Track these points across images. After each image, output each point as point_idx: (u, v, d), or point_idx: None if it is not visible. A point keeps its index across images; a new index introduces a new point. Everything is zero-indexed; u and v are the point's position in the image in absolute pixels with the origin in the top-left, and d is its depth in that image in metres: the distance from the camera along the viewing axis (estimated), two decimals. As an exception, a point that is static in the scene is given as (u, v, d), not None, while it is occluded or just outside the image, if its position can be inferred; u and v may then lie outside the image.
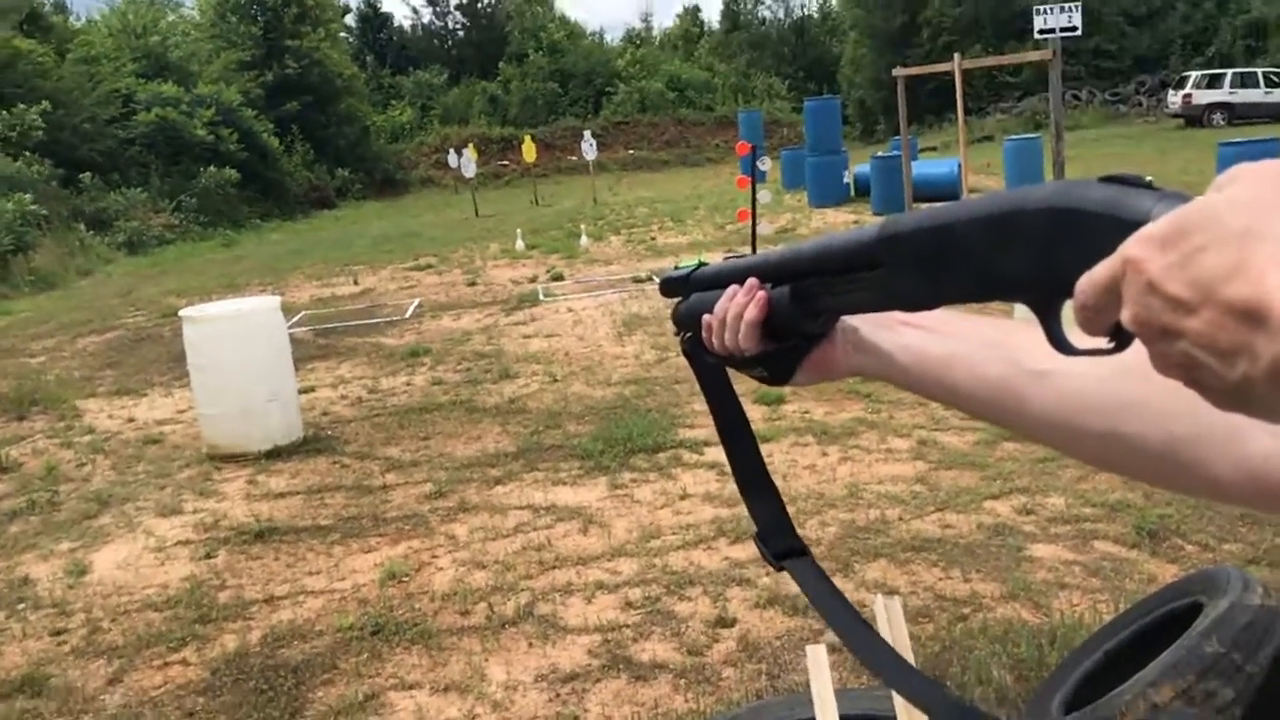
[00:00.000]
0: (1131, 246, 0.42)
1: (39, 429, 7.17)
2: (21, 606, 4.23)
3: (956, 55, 13.50)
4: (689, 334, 0.88)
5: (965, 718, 0.78)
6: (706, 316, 0.82)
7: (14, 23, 24.50)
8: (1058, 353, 0.54)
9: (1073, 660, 2.61)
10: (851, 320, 0.78)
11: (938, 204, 0.60)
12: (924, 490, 4.59)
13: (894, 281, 0.62)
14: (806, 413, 5.88)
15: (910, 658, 2.26)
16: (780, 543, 0.89)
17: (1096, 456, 0.67)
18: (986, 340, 0.73)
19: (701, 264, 0.89)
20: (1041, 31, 12.39)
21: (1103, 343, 0.49)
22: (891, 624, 2.29)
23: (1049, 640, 3.15)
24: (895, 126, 19.29)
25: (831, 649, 3.19)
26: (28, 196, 17.87)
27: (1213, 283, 0.39)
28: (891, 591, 3.53)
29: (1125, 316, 0.43)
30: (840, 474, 4.89)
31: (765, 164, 12.68)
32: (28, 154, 20.71)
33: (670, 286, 0.92)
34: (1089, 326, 0.47)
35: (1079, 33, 12.77)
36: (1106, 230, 0.46)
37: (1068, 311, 0.52)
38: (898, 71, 15.22)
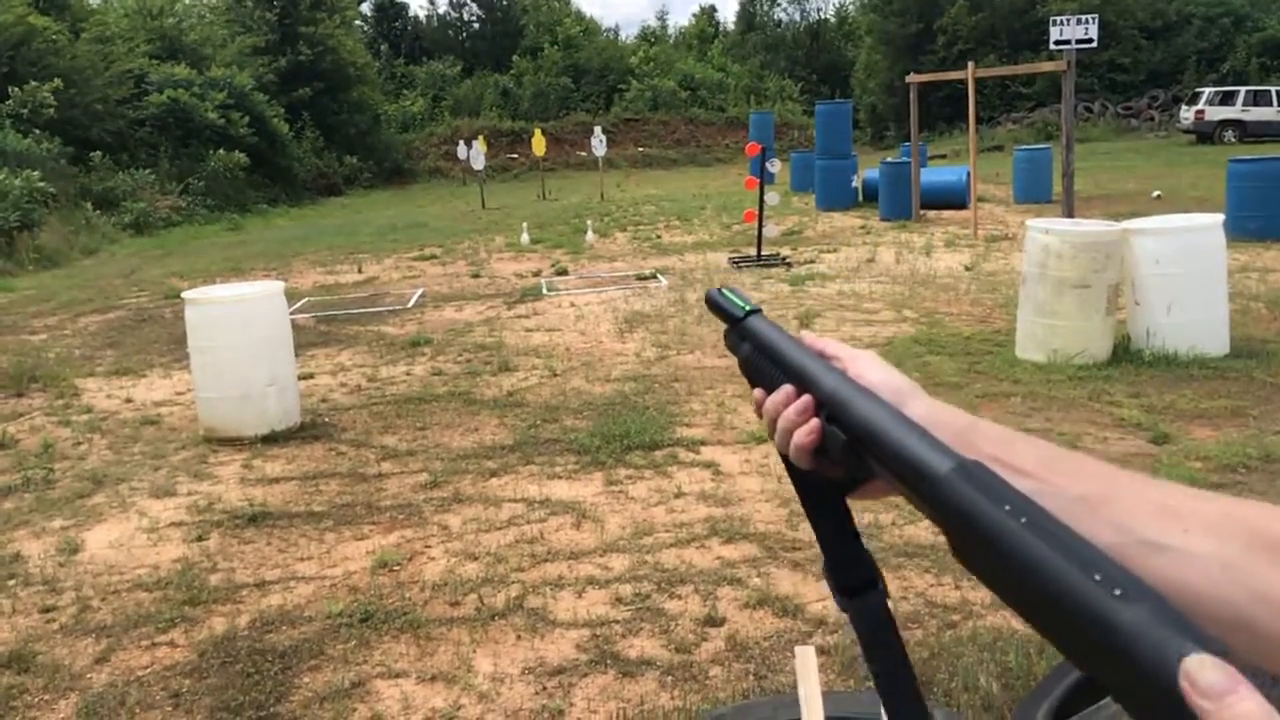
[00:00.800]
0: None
1: (37, 406, 7.18)
2: (12, 583, 4.23)
3: (970, 63, 13.48)
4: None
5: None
6: (759, 393, 0.77)
7: None
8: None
9: (1061, 670, 2.59)
10: None
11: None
12: (919, 496, 4.57)
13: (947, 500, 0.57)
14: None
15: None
16: (850, 575, 0.79)
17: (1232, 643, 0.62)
18: (1090, 496, 0.62)
19: (756, 310, 0.82)
20: (1057, 43, 12.36)
21: None
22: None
23: (1037, 650, 3.14)
24: (906, 133, 19.25)
25: (820, 651, 3.18)
26: (36, 174, 17.88)
27: None
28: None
29: None
30: (836, 477, 4.87)
31: (775, 166, 12.66)
32: (38, 131, 20.73)
33: (718, 313, 0.84)
34: None
35: (1094, 45, 12.75)
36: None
37: None
38: (911, 78, 15.20)
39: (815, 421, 0.70)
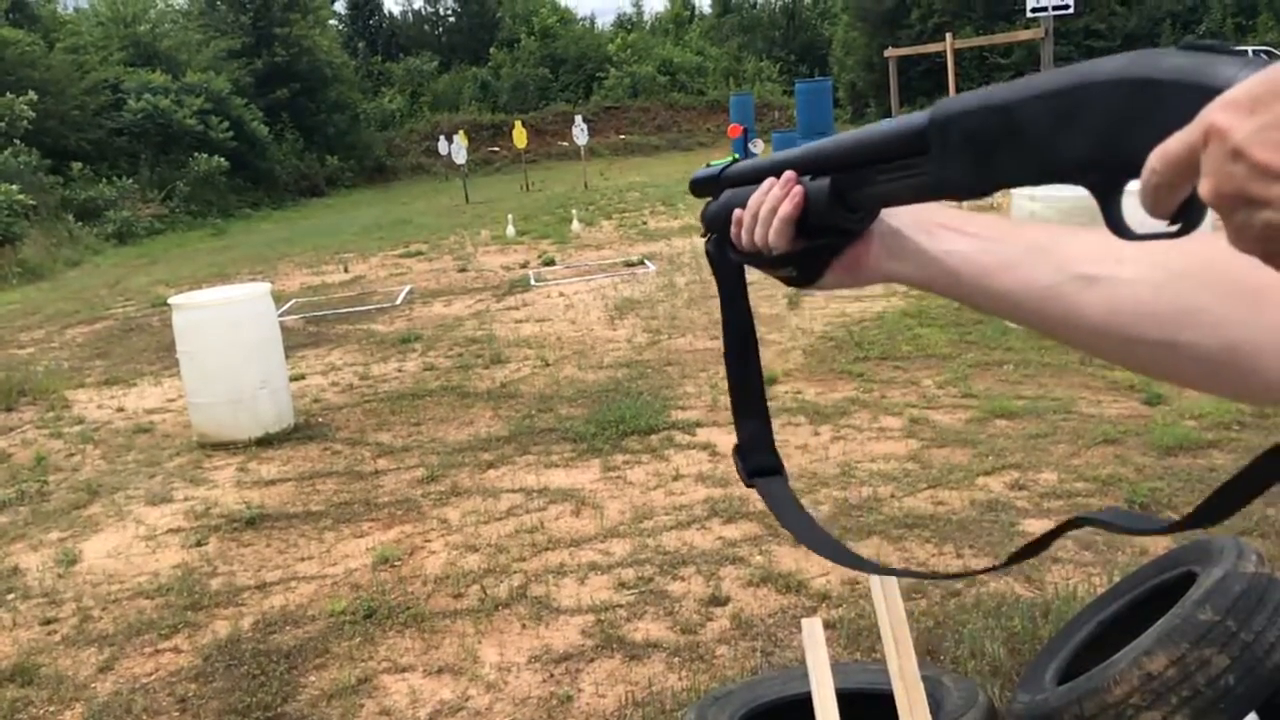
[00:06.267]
0: (1215, 112, 0.40)
1: (28, 420, 7.13)
2: (11, 596, 4.21)
3: (949, 35, 13.47)
4: (714, 235, 0.84)
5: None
6: (738, 212, 0.79)
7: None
8: (1111, 240, 0.52)
9: (1067, 632, 2.60)
10: (890, 223, 0.75)
11: (994, 85, 0.57)
12: (916, 468, 4.58)
13: (943, 167, 0.59)
14: (799, 392, 5.87)
15: (907, 631, 2.25)
16: (756, 460, 0.87)
17: (1150, 365, 0.65)
18: (1034, 245, 0.69)
19: (736, 159, 0.86)
20: (1034, 10, 12.38)
21: (1164, 225, 0.46)
22: (887, 598, 2.28)
23: (1042, 614, 3.15)
24: (886, 108, 19.24)
25: (826, 625, 3.19)
26: (15, 186, 17.74)
27: None
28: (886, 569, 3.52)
29: (1204, 188, 0.41)
30: (833, 453, 4.88)
31: (757, 146, 12.64)
32: (16, 143, 20.57)
33: (700, 186, 0.87)
34: (1156, 206, 0.45)
35: (1071, 11, 12.75)
36: (1185, 100, 0.43)
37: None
38: (890, 52, 15.19)
39: (798, 187, 0.73)
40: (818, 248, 0.76)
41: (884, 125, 0.65)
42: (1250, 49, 27.92)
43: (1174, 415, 4.83)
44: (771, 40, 48.83)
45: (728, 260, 0.83)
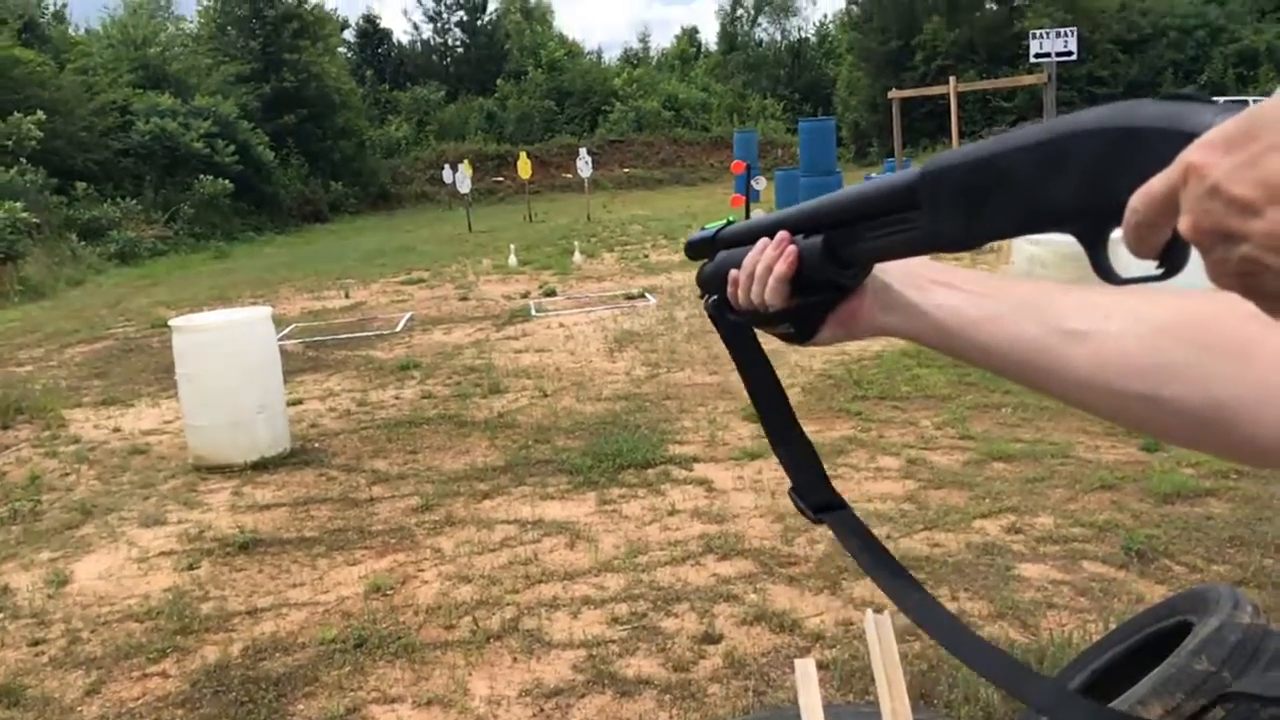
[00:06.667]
0: (1193, 152, 0.42)
1: (24, 438, 7.12)
2: (0, 616, 4.18)
3: (952, 78, 13.59)
4: (714, 296, 0.86)
5: (1017, 676, 0.74)
6: (734, 272, 0.81)
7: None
8: (1099, 295, 0.54)
9: (1061, 679, 2.58)
10: (882, 278, 0.77)
11: (981, 140, 0.58)
12: (913, 509, 4.57)
13: (934, 221, 0.60)
14: (797, 430, 5.86)
15: (900, 673, 2.24)
16: (817, 496, 0.87)
17: (1135, 419, 0.66)
18: (1022, 300, 0.71)
19: (730, 222, 0.88)
20: (1037, 56, 12.49)
21: (1151, 268, 0.48)
22: (881, 640, 2.27)
23: (1037, 660, 3.13)
24: (889, 149, 19.36)
25: (819, 665, 3.17)
26: (19, 204, 17.82)
27: None
28: (880, 609, 3.50)
29: (1183, 225, 0.42)
30: (830, 492, 4.86)
31: (759, 183, 12.72)
32: (23, 162, 20.67)
33: (696, 248, 0.89)
34: (1140, 246, 0.46)
35: (1074, 57, 12.88)
36: (1165, 145, 0.45)
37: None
38: (893, 93, 15.31)
39: (792, 247, 0.75)
40: (813, 304, 0.78)
41: (874, 182, 0.66)
42: (1250, 99, 28.23)
43: (1172, 462, 4.82)
44: (776, 78, 49.30)
45: (728, 319, 0.85)
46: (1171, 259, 0.46)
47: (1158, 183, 0.44)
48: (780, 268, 0.75)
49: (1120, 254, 0.50)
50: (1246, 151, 0.39)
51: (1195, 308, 0.60)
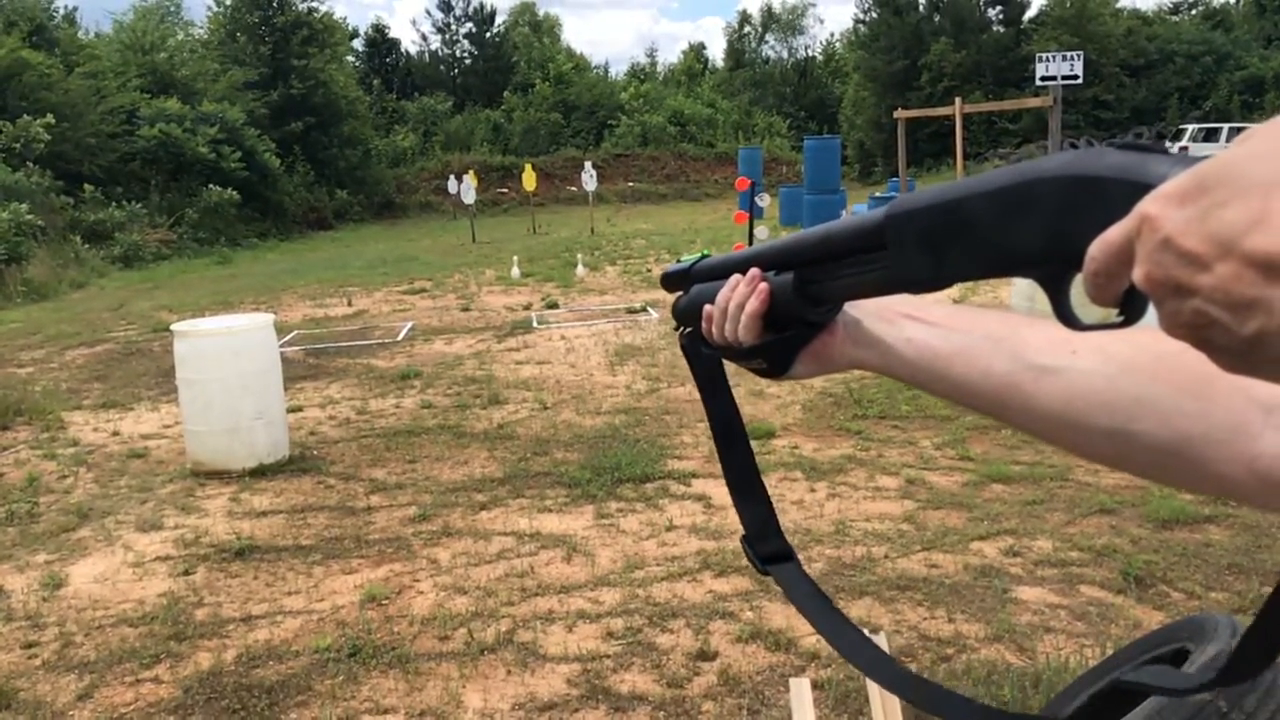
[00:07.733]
0: (1147, 204, 0.42)
1: (22, 440, 7.12)
2: (-6, 617, 4.17)
3: (958, 99, 13.63)
4: (688, 329, 0.87)
5: (962, 711, 0.74)
6: (708, 307, 0.81)
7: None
8: (1067, 331, 0.54)
9: (1058, 703, 2.58)
10: (853, 313, 0.78)
11: (946, 182, 0.59)
12: (911, 529, 4.56)
13: (901, 262, 0.61)
14: (795, 448, 5.86)
15: (897, 703, 2.22)
16: (767, 546, 0.87)
17: (1104, 454, 0.66)
18: (991, 335, 0.71)
19: (705, 255, 0.88)
20: (1043, 78, 12.54)
21: (1113, 315, 0.48)
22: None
23: (1033, 684, 3.12)
24: (893, 168, 19.41)
25: (814, 685, 3.15)
26: (24, 206, 17.85)
27: (1233, 236, 0.38)
28: (876, 629, 3.49)
29: (1137, 275, 0.43)
30: (828, 510, 4.86)
31: (764, 200, 12.75)
32: (30, 165, 20.73)
33: (671, 280, 0.90)
34: (1099, 294, 0.46)
35: (1080, 81, 12.92)
36: (1123, 195, 0.45)
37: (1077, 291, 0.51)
38: (899, 113, 15.36)
39: (764, 284, 0.76)
40: (786, 339, 0.78)
41: (843, 221, 0.67)
42: (1256, 127, 28.24)
43: (1171, 488, 4.81)
44: (782, 96, 49.49)
45: (701, 353, 0.85)
46: (1131, 307, 0.47)
47: (1115, 232, 0.44)
48: (752, 304, 0.76)
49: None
50: (1197, 205, 0.40)
51: (1159, 343, 0.60)
